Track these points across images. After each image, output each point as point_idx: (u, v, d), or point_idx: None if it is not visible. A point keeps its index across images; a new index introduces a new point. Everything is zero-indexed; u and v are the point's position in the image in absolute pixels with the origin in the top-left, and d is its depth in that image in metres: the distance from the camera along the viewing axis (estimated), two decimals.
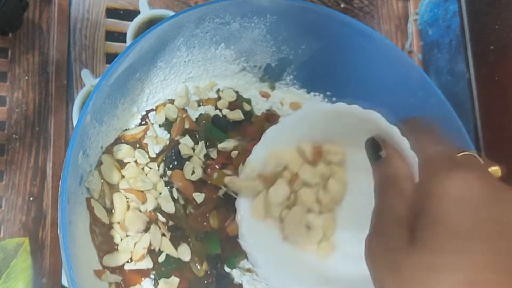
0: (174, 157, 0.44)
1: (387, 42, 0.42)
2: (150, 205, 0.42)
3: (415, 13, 0.60)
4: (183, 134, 0.45)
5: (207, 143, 0.45)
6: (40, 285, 0.43)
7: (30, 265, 0.43)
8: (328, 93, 0.50)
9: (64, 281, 0.44)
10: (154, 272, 0.41)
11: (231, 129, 0.47)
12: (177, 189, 0.43)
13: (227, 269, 0.43)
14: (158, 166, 0.44)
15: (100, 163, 0.42)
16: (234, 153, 0.44)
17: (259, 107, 0.50)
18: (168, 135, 0.45)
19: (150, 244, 0.41)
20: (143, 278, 0.41)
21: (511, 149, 0.48)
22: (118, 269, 0.40)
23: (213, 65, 0.47)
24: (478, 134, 0.50)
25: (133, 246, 0.40)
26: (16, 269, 0.43)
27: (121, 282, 0.40)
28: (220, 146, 0.44)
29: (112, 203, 0.41)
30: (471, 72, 0.51)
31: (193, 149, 0.44)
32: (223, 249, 0.42)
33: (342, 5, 0.59)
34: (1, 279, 0.42)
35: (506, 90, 0.48)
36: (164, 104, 0.46)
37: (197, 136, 0.45)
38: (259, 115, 0.49)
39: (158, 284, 0.41)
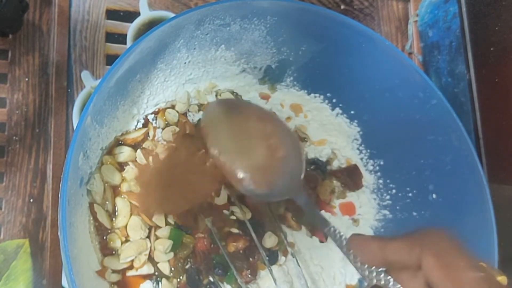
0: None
1: (387, 43, 0.42)
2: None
3: (415, 14, 0.60)
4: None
5: None
6: (40, 287, 0.43)
7: (30, 267, 0.43)
8: (328, 94, 0.50)
9: (64, 283, 0.44)
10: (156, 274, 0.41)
11: None
12: None
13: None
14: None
15: (101, 165, 0.42)
16: None
17: None
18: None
19: (151, 251, 0.41)
20: (144, 280, 0.41)
21: (511, 149, 0.48)
22: (118, 272, 0.40)
23: (213, 66, 0.47)
24: (479, 135, 0.50)
25: (134, 251, 0.40)
26: (16, 270, 0.43)
27: (122, 283, 0.40)
28: None
29: (114, 207, 0.41)
30: (471, 73, 0.51)
31: None
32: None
33: (342, 7, 0.59)
34: (1, 281, 0.42)
35: (506, 91, 0.48)
36: (165, 109, 0.46)
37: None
38: None
39: (159, 284, 0.41)
